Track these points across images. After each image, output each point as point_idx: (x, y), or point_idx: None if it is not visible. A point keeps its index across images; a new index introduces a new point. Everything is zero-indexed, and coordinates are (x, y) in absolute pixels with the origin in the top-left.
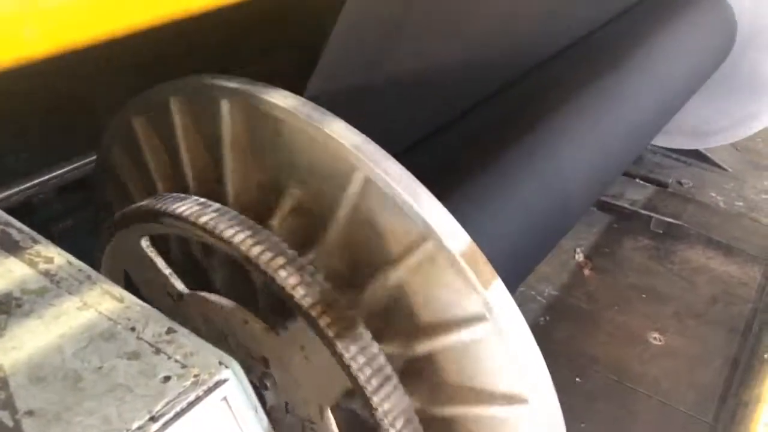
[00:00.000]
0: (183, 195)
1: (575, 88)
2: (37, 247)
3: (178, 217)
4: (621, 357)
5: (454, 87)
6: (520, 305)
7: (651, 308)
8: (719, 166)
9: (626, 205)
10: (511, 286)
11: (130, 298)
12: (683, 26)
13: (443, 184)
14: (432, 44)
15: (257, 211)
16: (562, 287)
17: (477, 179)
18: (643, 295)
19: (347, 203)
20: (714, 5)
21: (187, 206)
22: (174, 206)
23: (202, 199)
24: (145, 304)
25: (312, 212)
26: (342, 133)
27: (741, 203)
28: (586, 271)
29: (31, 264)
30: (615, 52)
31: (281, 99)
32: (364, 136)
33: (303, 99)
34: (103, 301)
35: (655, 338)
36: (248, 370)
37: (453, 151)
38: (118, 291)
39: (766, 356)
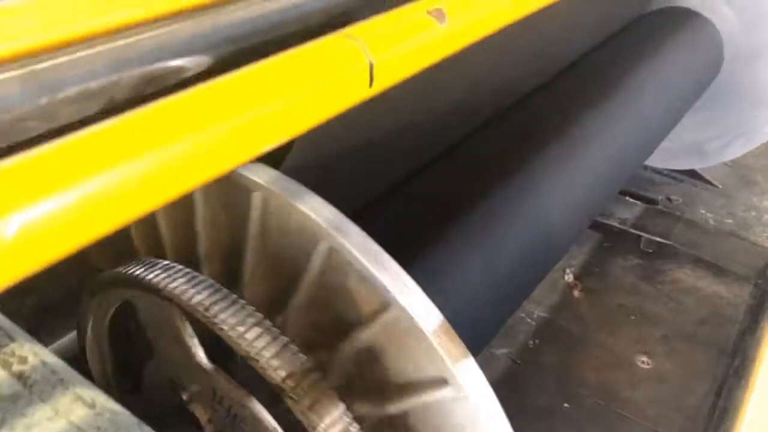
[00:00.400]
0: (155, 261)
1: (553, 130)
2: (12, 346)
3: (144, 284)
4: (609, 381)
5: (423, 139)
6: (509, 328)
7: (640, 330)
8: (710, 183)
9: (616, 224)
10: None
11: (102, 402)
12: (667, 53)
13: (413, 240)
14: (396, 113)
15: (227, 274)
16: (552, 309)
17: (448, 234)
18: (632, 317)
19: (313, 271)
20: (697, 27)
21: (155, 273)
22: (140, 272)
23: (173, 264)
24: (117, 408)
25: (282, 274)
26: (310, 204)
27: (730, 221)
28: (576, 292)
29: (5, 365)
30: (595, 86)
31: (256, 173)
32: (330, 207)
33: (276, 173)
34: (74, 407)
35: (643, 362)
36: None
37: (424, 204)
38: (91, 394)
39: (749, 381)
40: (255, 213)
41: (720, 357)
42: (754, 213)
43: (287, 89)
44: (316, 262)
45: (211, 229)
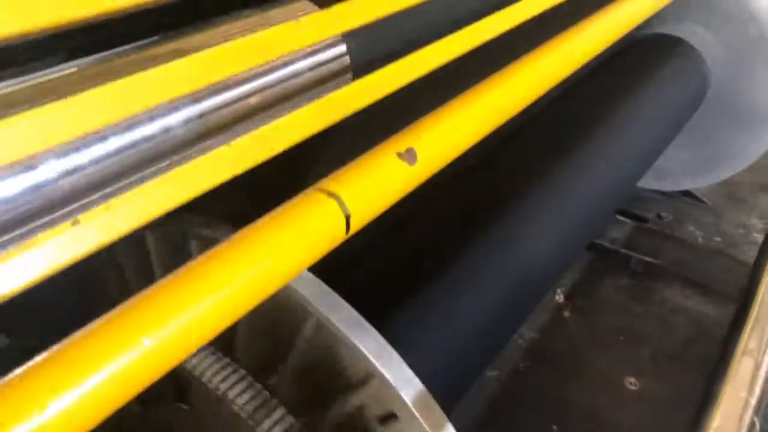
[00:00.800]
0: None
1: (534, 171)
2: None
3: None
4: (598, 403)
5: None
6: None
7: (629, 351)
8: (699, 200)
9: (607, 244)
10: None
11: None
12: (654, 82)
13: (394, 297)
14: None
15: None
16: (543, 330)
17: (429, 289)
18: (622, 338)
19: (303, 341)
20: (683, 55)
21: None
22: None
23: None
24: None
25: (274, 339)
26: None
27: (719, 239)
28: (567, 313)
29: None
30: (577, 124)
31: None
32: (318, 282)
33: None
34: None
35: (631, 383)
36: None
37: (405, 257)
38: None
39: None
40: None
41: (705, 377)
42: (741, 231)
43: (270, 251)
44: (306, 331)
45: None
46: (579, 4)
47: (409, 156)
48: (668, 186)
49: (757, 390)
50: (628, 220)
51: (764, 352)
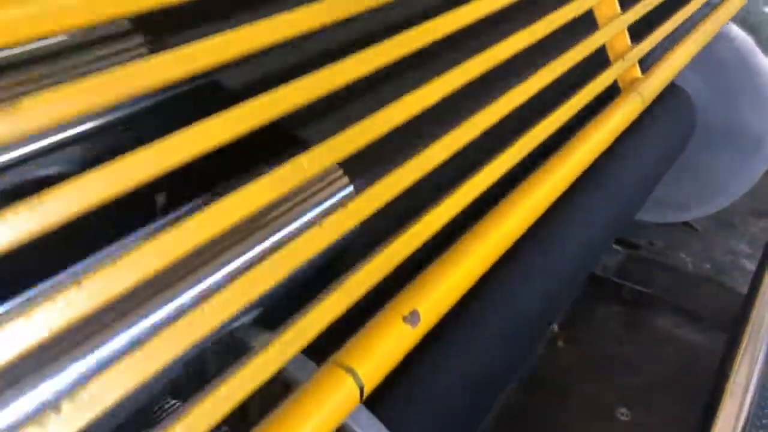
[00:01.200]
0: None
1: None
2: None
3: None
4: None
5: None
6: None
7: (621, 381)
8: (690, 226)
9: (599, 273)
10: None
11: None
12: (644, 125)
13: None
14: None
15: None
16: (537, 360)
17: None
18: (615, 367)
19: None
20: (671, 95)
21: None
22: None
23: None
24: None
25: None
26: None
27: (709, 265)
28: (560, 342)
29: None
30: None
31: None
32: None
33: None
34: None
35: (622, 413)
36: None
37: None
38: None
39: None
40: None
41: (696, 407)
42: (731, 257)
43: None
44: None
45: None
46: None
47: (412, 318)
48: (669, 218)
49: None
50: (620, 248)
51: (755, 383)
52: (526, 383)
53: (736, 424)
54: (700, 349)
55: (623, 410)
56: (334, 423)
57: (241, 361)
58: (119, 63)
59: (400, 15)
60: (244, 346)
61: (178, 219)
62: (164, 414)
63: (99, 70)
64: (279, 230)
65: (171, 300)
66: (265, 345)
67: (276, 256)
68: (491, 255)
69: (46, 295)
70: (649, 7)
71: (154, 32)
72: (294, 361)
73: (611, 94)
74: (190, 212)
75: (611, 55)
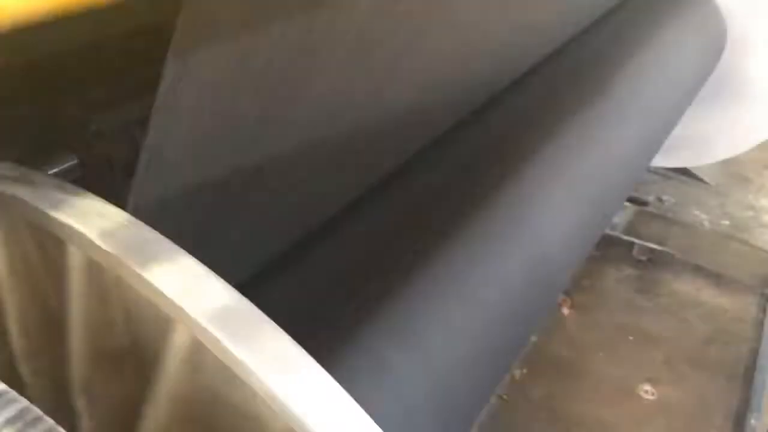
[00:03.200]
0: None
1: (536, 137)
2: None
3: None
4: (610, 417)
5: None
6: None
7: (640, 353)
8: (700, 180)
9: (606, 230)
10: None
11: None
12: (670, 35)
13: (347, 311)
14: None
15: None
16: (541, 331)
17: (400, 297)
18: (630, 338)
19: (171, 374)
20: (700, 6)
21: None
22: None
23: None
24: None
25: (131, 373)
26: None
27: (727, 222)
28: (566, 310)
29: None
30: (589, 79)
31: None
32: (204, 270)
33: (126, 217)
34: None
35: (646, 391)
36: None
37: (363, 254)
38: None
39: None
40: (76, 283)
41: (730, 383)
42: (751, 213)
43: None
44: (172, 361)
45: (18, 295)
46: None
47: None
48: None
49: None
50: (627, 204)
51: None
52: (531, 358)
53: None
54: (728, 315)
55: (647, 387)
56: None
57: None
58: None
59: None
60: None
61: None
62: None
63: None
64: None
65: None
66: None
67: None
68: None
69: None
70: None
71: None
72: None
73: None
74: None
75: None
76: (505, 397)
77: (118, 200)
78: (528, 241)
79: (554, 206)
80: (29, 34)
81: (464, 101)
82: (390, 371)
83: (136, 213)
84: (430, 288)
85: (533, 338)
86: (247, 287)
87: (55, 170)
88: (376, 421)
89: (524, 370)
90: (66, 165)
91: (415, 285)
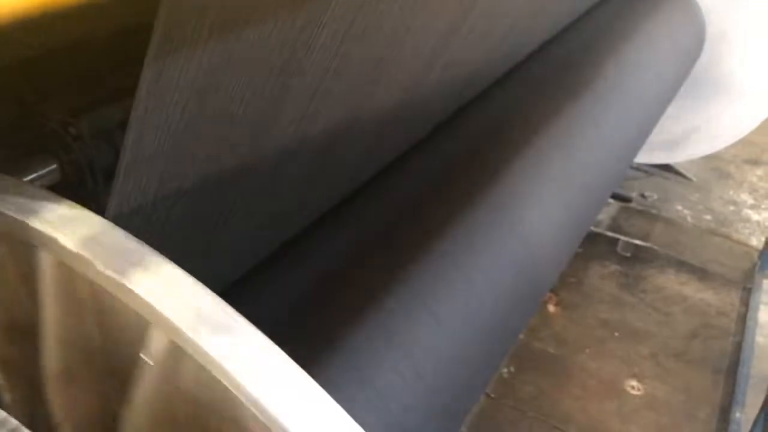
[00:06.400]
0: None
1: (520, 135)
2: None
3: None
4: (597, 413)
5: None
6: None
7: (626, 349)
8: (682, 175)
9: (590, 227)
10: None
11: None
12: (651, 30)
13: (328, 320)
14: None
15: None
16: (527, 329)
17: (401, 291)
18: (616, 333)
19: (150, 380)
20: (679, 2)
21: None
22: None
23: None
24: None
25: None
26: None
27: (709, 217)
28: (551, 307)
29: None
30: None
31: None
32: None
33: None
34: None
35: (632, 387)
36: None
37: (344, 259)
38: None
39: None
40: (48, 289)
41: (715, 376)
42: (732, 207)
43: None
44: (149, 365)
45: None
46: None
47: None
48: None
49: None
50: (611, 200)
51: None
52: (519, 355)
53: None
54: (712, 309)
55: (633, 383)
56: None
57: None
58: None
59: None
60: None
61: None
62: None
63: None
64: None
65: None
66: None
67: None
68: None
69: None
70: None
71: None
72: None
73: None
74: None
75: None
76: (492, 395)
77: (98, 204)
78: (516, 240)
79: (541, 204)
80: (7, 37)
81: (445, 102)
82: (377, 371)
83: (116, 217)
84: (418, 288)
85: (520, 336)
86: (227, 292)
87: (33, 175)
88: (362, 422)
89: (511, 368)
90: (45, 170)
91: (403, 285)
